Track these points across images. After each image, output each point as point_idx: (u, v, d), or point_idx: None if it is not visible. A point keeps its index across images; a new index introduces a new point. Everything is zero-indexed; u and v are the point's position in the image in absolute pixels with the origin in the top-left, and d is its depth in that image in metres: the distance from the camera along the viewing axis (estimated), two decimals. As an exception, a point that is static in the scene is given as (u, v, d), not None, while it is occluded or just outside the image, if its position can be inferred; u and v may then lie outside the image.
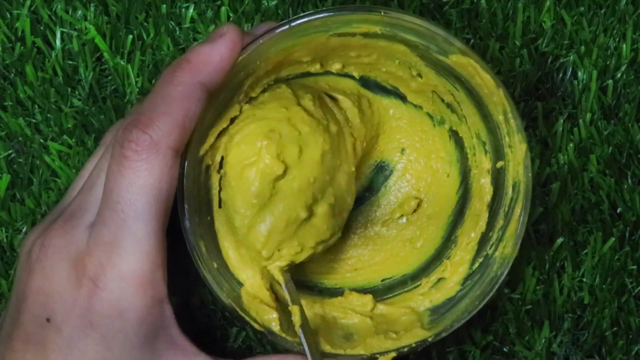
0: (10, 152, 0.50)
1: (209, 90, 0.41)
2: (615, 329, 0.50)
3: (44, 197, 0.50)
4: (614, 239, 0.50)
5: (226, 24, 0.43)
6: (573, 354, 0.50)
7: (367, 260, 0.49)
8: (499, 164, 0.45)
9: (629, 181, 0.51)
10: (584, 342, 0.50)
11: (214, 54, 0.41)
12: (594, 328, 0.50)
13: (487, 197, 0.46)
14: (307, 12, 0.42)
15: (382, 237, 0.50)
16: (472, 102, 0.45)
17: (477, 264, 0.45)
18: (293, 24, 0.42)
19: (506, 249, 0.44)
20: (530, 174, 0.44)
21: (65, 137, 0.50)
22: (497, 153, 0.45)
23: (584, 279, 0.50)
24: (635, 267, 0.50)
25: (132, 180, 0.39)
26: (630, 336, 0.50)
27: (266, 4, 0.50)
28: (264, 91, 0.46)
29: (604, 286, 0.50)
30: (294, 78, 0.47)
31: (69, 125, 0.50)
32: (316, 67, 0.47)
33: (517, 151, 0.44)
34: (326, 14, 0.42)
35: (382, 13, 0.42)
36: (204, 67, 0.41)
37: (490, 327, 0.50)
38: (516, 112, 0.43)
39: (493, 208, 0.46)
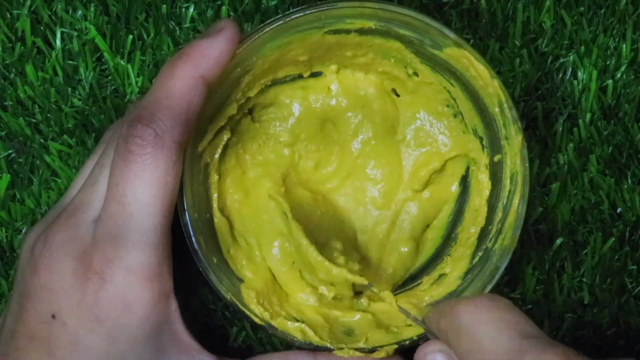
0: (10, 152, 0.50)
1: (209, 84, 0.41)
2: (615, 329, 0.50)
3: (44, 197, 0.50)
4: (614, 239, 0.50)
5: (224, 19, 0.43)
6: (573, 354, 0.50)
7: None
8: (497, 157, 0.45)
9: (629, 181, 0.51)
10: (584, 342, 0.50)
11: (213, 48, 0.41)
12: (594, 328, 0.50)
13: (486, 192, 0.46)
14: (301, 7, 0.43)
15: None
16: (468, 97, 0.45)
17: (477, 258, 0.45)
18: (288, 18, 0.43)
19: (505, 240, 0.44)
20: (527, 164, 0.44)
21: (65, 137, 0.50)
22: (494, 147, 0.45)
23: (584, 279, 0.50)
24: (635, 267, 0.50)
25: (138, 173, 0.39)
26: (630, 336, 0.50)
27: (266, 3, 0.50)
28: (261, 92, 0.46)
29: (604, 286, 0.50)
30: (292, 80, 0.47)
31: (69, 125, 0.50)
32: (312, 70, 0.47)
33: (514, 142, 0.44)
34: (320, 8, 0.43)
35: (376, 7, 0.43)
36: (204, 61, 0.41)
37: (491, 327, 0.50)
38: (511, 102, 0.43)
39: (491, 202, 0.46)
